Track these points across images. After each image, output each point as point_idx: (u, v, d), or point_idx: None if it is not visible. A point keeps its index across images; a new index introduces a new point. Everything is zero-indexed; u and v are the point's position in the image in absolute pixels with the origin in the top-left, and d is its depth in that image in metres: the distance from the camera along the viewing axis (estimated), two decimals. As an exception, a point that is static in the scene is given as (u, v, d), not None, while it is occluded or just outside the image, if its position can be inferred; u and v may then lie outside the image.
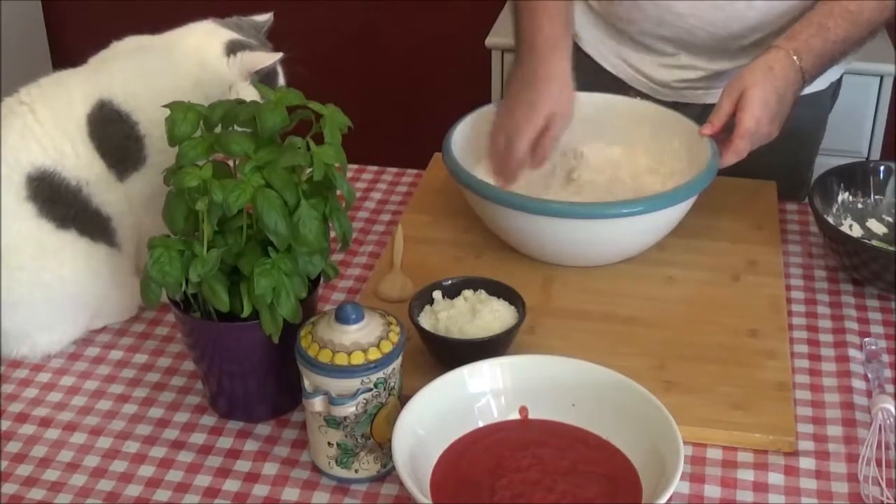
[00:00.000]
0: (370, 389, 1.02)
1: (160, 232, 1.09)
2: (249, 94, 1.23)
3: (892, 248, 1.37)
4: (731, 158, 1.35)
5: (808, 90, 1.42)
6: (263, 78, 1.25)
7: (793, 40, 1.38)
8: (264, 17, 1.33)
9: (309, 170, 1.06)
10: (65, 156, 1.20)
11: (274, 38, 1.30)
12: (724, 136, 1.37)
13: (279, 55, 1.25)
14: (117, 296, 1.28)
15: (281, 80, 1.29)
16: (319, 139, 1.08)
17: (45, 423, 1.16)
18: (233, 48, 1.25)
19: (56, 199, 1.20)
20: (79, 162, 1.21)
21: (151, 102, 1.20)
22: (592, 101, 1.50)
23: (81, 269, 1.23)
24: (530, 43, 1.41)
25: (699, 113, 1.49)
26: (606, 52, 1.63)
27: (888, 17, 1.45)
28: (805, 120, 1.49)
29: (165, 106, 1.11)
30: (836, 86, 1.66)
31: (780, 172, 1.56)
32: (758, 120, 1.34)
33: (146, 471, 1.10)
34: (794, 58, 1.37)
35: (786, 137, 1.40)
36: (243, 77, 1.24)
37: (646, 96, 1.61)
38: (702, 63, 1.57)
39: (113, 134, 1.22)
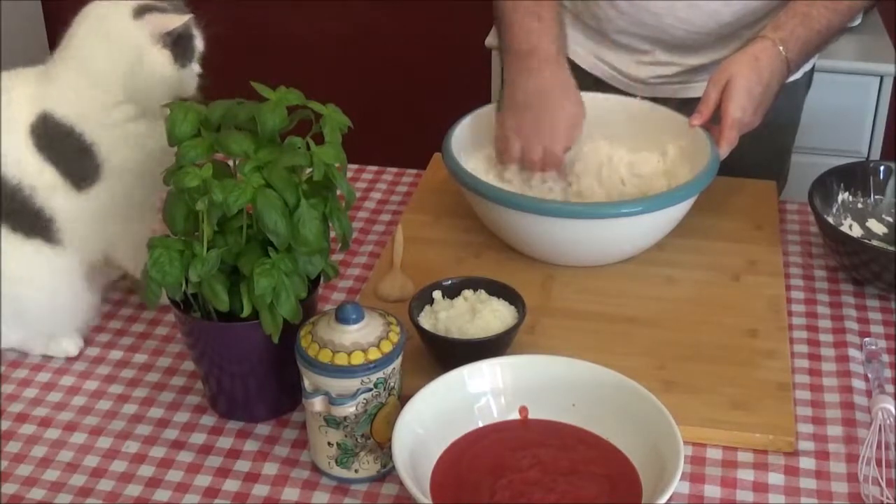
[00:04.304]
0: (370, 389, 1.02)
1: (131, 238, 1.07)
2: (160, 58, 1.17)
3: (892, 248, 1.37)
4: (726, 149, 1.38)
5: None
6: (177, 41, 1.18)
7: (779, 30, 1.41)
8: None
9: (309, 170, 1.06)
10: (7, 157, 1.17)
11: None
12: (712, 127, 1.40)
13: (188, 16, 1.19)
14: (67, 301, 1.24)
15: (199, 45, 1.23)
16: (319, 139, 1.08)
17: (45, 423, 1.16)
18: (140, 12, 1.18)
19: None
20: (25, 167, 1.17)
21: (85, 104, 1.18)
22: (593, 102, 1.50)
23: (15, 269, 1.19)
24: (530, 50, 1.41)
25: (676, 108, 1.51)
26: (581, 50, 1.65)
27: (864, 4, 1.49)
28: (782, 109, 1.52)
29: (165, 105, 1.11)
30: (809, 75, 1.70)
31: (759, 162, 1.58)
32: (743, 109, 1.37)
33: (146, 471, 1.10)
34: (780, 48, 1.40)
35: (764, 127, 1.43)
36: (154, 40, 1.18)
37: (622, 93, 1.63)
38: (676, 59, 1.60)
39: (63, 148, 1.18)
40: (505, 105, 1.42)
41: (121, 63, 1.17)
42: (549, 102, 1.40)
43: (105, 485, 1.08)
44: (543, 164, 1.40)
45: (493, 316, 1.18)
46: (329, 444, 1.06)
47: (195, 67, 1.22)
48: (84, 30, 1.20)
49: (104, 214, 1.21)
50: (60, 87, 1.19)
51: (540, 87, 1.40)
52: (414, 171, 1.64)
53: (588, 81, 1.64)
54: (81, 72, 1.19)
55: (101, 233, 1.23)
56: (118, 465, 1.10)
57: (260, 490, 1.07)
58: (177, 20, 1.17)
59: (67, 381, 1.22)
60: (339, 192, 1.10)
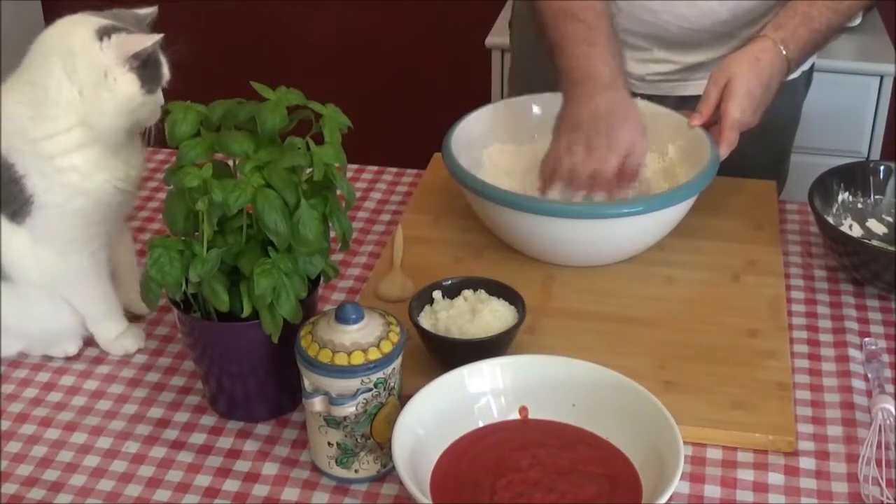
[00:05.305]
0: (370, 389, 1.02)
1: (72, 273, 1.08)
2: (127, 81, 1.13)
3: (892, 248, 1.37)
4: (725, 150, 1.38)
5: None
6: (143, 64, 1.14)
7: (780, 30, 1.41)
8: (147, 11, 1.21)
9: (309, 170, 1.06)
10: None
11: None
12: (712, 127, 1.40)
13: (159, 36, 1.12)
14: (46, 325, 1.24)
15: (165, 70, 1.18)
16: (319, 139, 1.08)
17: (45, 423, 1.16)
18: (106, 32, 1.13)
19: None
20: None
21: (20, 134, 1.14)
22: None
23: None
24: (584, 77, 1.37)
25: (674, 105, 1.51)
26: None
27: (864, 4, 1.50)
28: (781, 109, 1.52)
29: (167, 106, 1.11)
30: (808, 74, 1.70)
31: (759, 162, 1.58)
32: (743, 109, 1.37)
33: (146, 471, 1.10)
34: (781, 48, 1.40)
35: (764, 127, 1.43)
36: (121, 62, 1.12)
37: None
38: (674, 57, 1.60)
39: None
40: (559, 129, 1.38)
41: (78, 85, 1.13)
42: (605, 125, 1.35)
43: (105, 485, 1.08)
44: (592, 185, 1.36)
45: (492, 316, 1.18)
46: (329, 444, 1.06)
47: (160, 96, 1.17)
48: (40, 54, 1.15)
49: (39, 248, 1.18)
50: (3, 113, 1.15)
51: (594, 111, 1.35)
52: (414, 171, 1.64)
53: None
54: (27, 99, 1.14)
55: (40, 267, 1.19)
56: (118, 465, 1.10)
57: (260, 490, 1.07)
58: (146, 41, 1.13)
59: (67, 381, 1.22)
60: (339, 192, 1.10)
